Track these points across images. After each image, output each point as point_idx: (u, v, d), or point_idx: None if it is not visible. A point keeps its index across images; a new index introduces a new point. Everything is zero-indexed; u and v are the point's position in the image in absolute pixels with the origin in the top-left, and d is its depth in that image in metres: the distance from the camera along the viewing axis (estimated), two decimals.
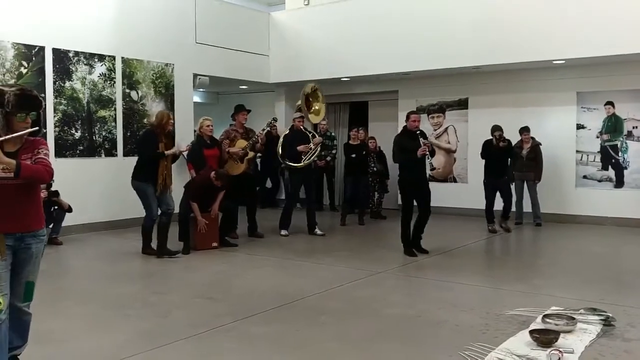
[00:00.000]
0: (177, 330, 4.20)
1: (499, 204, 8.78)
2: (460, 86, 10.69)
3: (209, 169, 7.33)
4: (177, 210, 7.21)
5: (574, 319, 4.16)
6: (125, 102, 9.14)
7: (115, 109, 9.01)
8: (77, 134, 8.56)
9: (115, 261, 6.75)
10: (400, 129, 7.84)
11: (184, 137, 9.25)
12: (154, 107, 9.39)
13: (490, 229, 8.74)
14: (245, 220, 8.34)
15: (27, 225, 3.16)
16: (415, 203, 7.02)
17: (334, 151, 10.55)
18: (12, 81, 7.54)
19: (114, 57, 8.97)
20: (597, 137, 9.61)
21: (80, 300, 5.08)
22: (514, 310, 4.55)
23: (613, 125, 9.48)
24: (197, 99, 11.88)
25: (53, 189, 7.49)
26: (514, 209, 9.20)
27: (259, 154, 9.24)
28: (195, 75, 10.23)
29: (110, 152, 8.95)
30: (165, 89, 9.73)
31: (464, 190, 10.60)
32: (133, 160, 7.27)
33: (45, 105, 7.91)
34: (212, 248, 7.26)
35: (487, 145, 8.69)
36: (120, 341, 3.98)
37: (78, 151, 8.57)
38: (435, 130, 11.00)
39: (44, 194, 7.08)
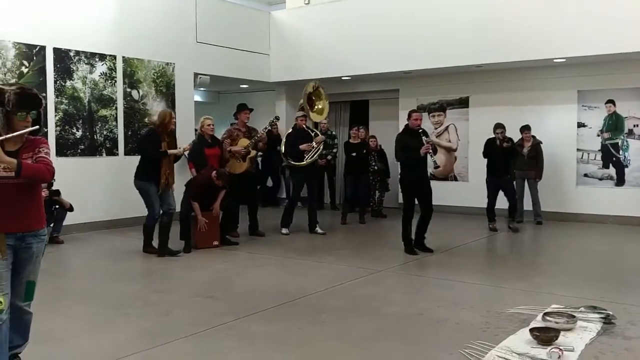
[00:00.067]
0: (178, 329, 4.20)
1: (500, 203, 8.78)
2: (461, 85, 10.69)
3: (210, 168, 7.34)
4: (178, 209, 7.22)
5: (574, 317, 4.16)
6: (126, 102, 9.15)
7: (116, 108, 9.02)
8: (78, 133, 8.57)
9: (116, 260, 6.76)
10: (401, 128, 7.84)
11: (183, 136, 9.25)
12: (155, 107, 9.40)
13: (490, 228, 8.74)
14: (246, 219, 8.35)
15: (28, 224, 3.16)
16: (416, 202, 7.03)
17: (334, 150, 10.55)
18: (13, 81, 7.55)
19: (114, 57, 8.98)
20: (598, 135, 9.60)
21: (81, 300, 5.09)
22: (514, 309, 4.55)
23: (614, 124, 9.47)
24: (197, 98, 11.88)
25: (54, 188, 7.50)
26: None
27: (260, 153, 9.24)
28: (196, 75, 10.24)
29: (112, 152, 8.96)
30: (166, 88, 9.74)
31: (465, 189, 10.60)
32: (134, 159, 7.28)
33: (45, 104, 7.97)
34: (213, 247, 7.27)
35: (489, 143, 8.68)
36: (120, 340, 3.99)
37: (79, 150, 8.58)
38: (435, 128, 10.99)
39: (45, 193, 7.09)
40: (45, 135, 7.76)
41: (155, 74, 9.57)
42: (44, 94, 7.92)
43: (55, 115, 8.26)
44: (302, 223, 8.64)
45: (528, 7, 8.89)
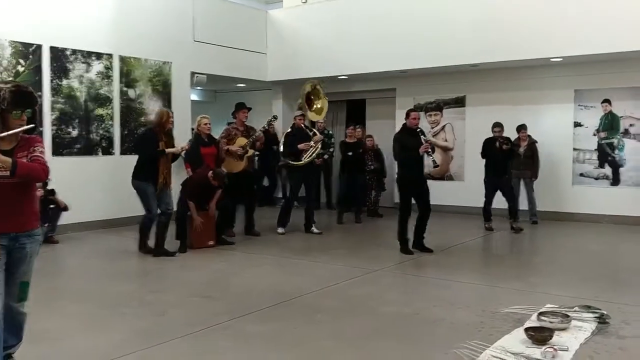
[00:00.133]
0: (174, 328, 4.20)
1: (496, 203, 8.80)
2: (458, 84, 10.70)
3: (206, 167, 7.33)
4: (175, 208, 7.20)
5: (568, 316, 4.17)
6: (122, 100, 9.13)
7: (112, 107, 9.00)
8: (75, 133, 8.55)
9: (112, 260, 6.75)
10: (397, 127, 7.84)
11: (180, 135, 9.24)
12: (152, 106, 9.39)
13: (486, 227, 8.75)
14: (243, 218, 8.34)
15: (21, 224, 3.15)
16: (413, 201, 7.03)
17: (331, 149, 10.55)
18: (9, 79, 7.52)
19: (111, 55, 8.96)
20: (594, 134, 9.63)
21: (76, 299, 5.08)
22: (509, 308, 4.56)
23: (610, 123, 9.50)
24: (194, 97, 11.88)
25: (49, 187, 7.48)
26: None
27: (256, 152, 9.25)
28: (192, 74, 10.23)
29: (108, 151, 8.95)
30: (163, 87, 9.73)
31: (461, 188, 10.61)
32: (130, 158, 7.27)
33: (41, 103, 7.96)
34: (208, 247, 7.26)
35: (487, 143, 8.68)
36: (116, 340, 3.98)
37: (75, 149, 8.56)
38: (432, 128, 11.00)
39: (40, 192, 7.08)
40: (41, 134, 7.75)
41: (152, 73, 9.56)
42: (39, 93, 7.91)
43: (52, 114, 8.24)
44: (298, 223, 8.64)
45: (525, 5, 8.90)
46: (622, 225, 9.03)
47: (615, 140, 9.48)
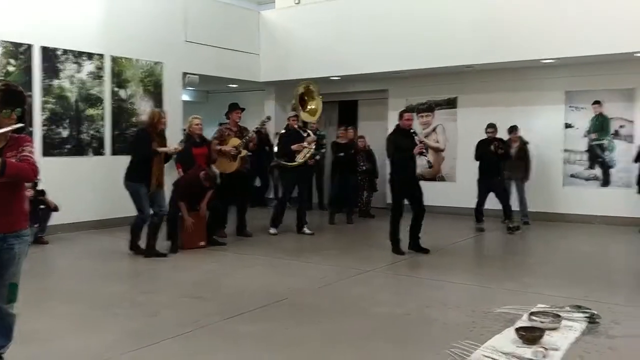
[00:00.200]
0: (165, 329, 4.18)
1: (488, 204, 8.83)
2: (450, 85, 10.73)
3: (198, 168, 7.31)
4: None
5: (559, 316, 4.19)
6: (114, 101, 9.09)
7: (103, 108, 8.96)
8: (65, 133, 8.50)
9: (103, 260, 6.71)
10: (390, 128, 7.85)
11: (172, 136, 9.21)
12: (143, 106, 9.36)
13: (478, 228, 8.78)
14: (235, 219, 8.32)
15: (10, 224, 3.12)
16: (406, 202, 7.03)
17: (323, 150, 10.55)
18: None
19: (102, 56, 8.92)
20: (585, 136, 9.68)
21: (66, 300, 5.04)
22: (500, 308, 4.57)
23: (600, 124, 9.56)
24: (186, 97, 11.84)
25: (40, 188, 7.43)
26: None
27: (249, 153, 9.23)
28: (184, 74, 10.20)
29: (98, 151, 8.90)
30: (154, 88, 9.69)
31: (452, 189, 10.64)
32: (121, 159, 7.23)
33: (31, 103, 7.91)
34: (199, 247, 7.23)
35: (481, 145, 8.70)
36: (107, 341, 3.96)
37: (66, 150, 8.51)
38: (424, 129, 11.03)
39: (30, 193, 7.03)
40: (31, 134, 7.70)
41: (144, 74, 9.52)
42: (29, 93, 7.87)
43: (42, 115, 8.19)
44: (289, 223, 8.64)
45: (518, 6, 8.94)
46: (613, 225, 9.09)
47: (605, 142, 9.54)
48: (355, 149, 9.99)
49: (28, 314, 4.18)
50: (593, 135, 9.62)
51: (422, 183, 7.27)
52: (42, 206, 7.54)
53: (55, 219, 7.78)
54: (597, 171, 9.60)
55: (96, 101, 8.87)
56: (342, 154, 9.70)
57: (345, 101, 12.30)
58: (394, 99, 11.28)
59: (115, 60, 9.08)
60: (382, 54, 10.07)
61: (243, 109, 8.36)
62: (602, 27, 8.28)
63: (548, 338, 3.82)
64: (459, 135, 10.67)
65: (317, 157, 10.32)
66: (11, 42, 7.83)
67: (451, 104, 10.87)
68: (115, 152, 9.00)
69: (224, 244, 7.54)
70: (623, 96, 9.34)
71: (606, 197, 9.47)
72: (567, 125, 9.81)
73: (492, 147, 8.53)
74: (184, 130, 8.71)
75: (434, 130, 11.04)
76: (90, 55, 8.76)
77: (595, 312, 4.32)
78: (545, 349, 3.59)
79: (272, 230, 8.36)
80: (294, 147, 8.26)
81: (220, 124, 9.20)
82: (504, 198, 8.73)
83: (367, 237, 8.56)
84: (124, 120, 9.23)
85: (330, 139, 11.37)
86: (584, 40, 8.45)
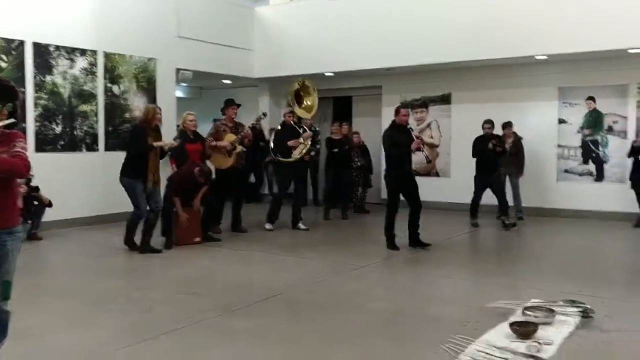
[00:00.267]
0: (160, 325, 4.17)
1: (483, 199, 8.85)
2: (444, 81, 10.74)
3: (192, 163, 7.29)
4: None
5: (553, 311, 4.21)
6: (107, 97, 9.05)
7: (96, 104, 8.92)
8: (58, 129, 8.46)
9: (97, 256, 6.69)
10: (384, 124, 7.86)
11: (166, 132, 9.18)
12: (136, 102, 9.32)
13: (472, 224, 8.80)
14: (230, 215, 8.31)
15: (2, 221, 3.08)
16: (402, 198, 7.02)
17: (317, 146, 10.54)
18: None
19: (95, 52, 8.87)
20: (578, 132, 9.72)
21: (60, 296, 5.03)
22: (494, 303, 4.58)
23: (593, 120, 9.59)
24: (180, 93, 11.80)
25: (33, 184, 7.40)
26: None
27: (244, 149, 9.21)
28: (178, 70, 10.16)
29: (92, 147, 8.87)
30: (148, 84, 9.65)
31: (447, 185, 10.66)
32: (115, 155, 7.22)
33: (24, 99, 7.86)
34: (194, 243, 7.22)
35: (478, 142, 8.69)
36: (101, 336, 3.95)
37: (59, 146, 8.47)
38: (418, 125, 11.03)
39: (24, 189, 7.00)
40: (24, 130, 7.67)
41: (137, 69, 9.48)
42: (22, 89, 7.82)
43: (35, 111, 8.15)
44: (284, 219, 8.63)
45: (516, 4, 8.92)
46: (606, 220, 9.12)
47: (599, 137, 9.58)
48: (350, 145, 9.99)
49: (22, 311, 4.15)
50: (586, 131, 9.66)
51: (416, 179, 7.28)
52: (35, 202, 7.51)
53: (48, 215, 7.76)
54: (591, 166, 9.64)
55: (89, 97, 8.83)
56: (336, 150, 9.69)
57: (340, 97, 12.29)
58: (388, 95, 11.28)
59: (108, 56, 9.04)
60: (377, 50, 10.06)
61: (239, 105, 8.35)
62: (595, 24, 8.30)
63: (542, 332, 3.83)
64: (453, 131, 10.68)
65: (313, 153, 10.34)
66: (3, 38, 7.78)
67: (445, 100, 10.89)
68: (108, 148, 8.98)
69: (218, 240, 7.53)
70: (616, 92, 9.37)
71: (600, 192, 9.51)
72: (561, 121, 9.84)
73: (491, 145, 8.52)
74: (178, 126, 8.69)
75: (428, 126, 11.05)
76: (83, 51, 8.71)
77: (589, 307, 4.34)
78: (539, 343, 3.60)
79: (268, 226, 8.36)
80: (290, 143, 8.26)
81: (215, 120, 9.17)
82: (500, 194, 8.75)
83: (362, 233, 8.57)
84: (117, 116, 9.20)
85: (324, 134, 11.38)
86: (577, 37, 8.46)
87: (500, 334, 3.88)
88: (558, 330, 3.95)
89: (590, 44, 8.40)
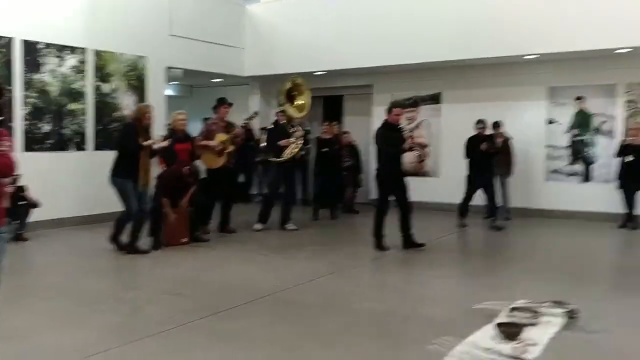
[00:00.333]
0: (145, 327, 4.16)
1: (473, 199, 8.87)
2: (434, 81, 10.76)
3: (181, 162, 7.26)
4: None
5: (538, 312, 4.23)
6: (96, 95, 8.99)
7: (86, 102, 8.87)
8: (47, 128, 8.40)
9: (84, 257, 6.65)
10: (374, 123, 7.85)
11: (155, 131, 9.14)
12: (126, 101, 9.27)
13: (460, 224, 8.81)
14: (218, 215, 8.28)
15: None
16: (393, 198, 7.01)
17: (308, 145, 10.53)
18: None
19: (85, 50, 8.81)
20: (567, 132, 9.76)
21: (45, 297, 5.00)
22: (481, 304, 4.60)
23: (582, 120, 9.64)
24: (170, 92, 11.75)
25: (20, 184, 7.33)
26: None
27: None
28: (168, 68, 10.12)
29: (81, 146, 8.81)
30: (138, 82, 9.60)
31: (435, 185, 10.67)
32: (104, 154, 7.17)
33: (12, 97, 7.80)
34: (182, 244, 7.18)
35: (470, 142, 8.69)
36: (86, 337, 3.93)
37: (47, 145, 8.41)
38: (408, 124, 11.03)
39: (10, 189, 6.93)
40: (10, 129, 7.60)
41: (127, 68, 9.43)
42: (9, 87, 7.76)
43: (23, 109, 8.09)
44: (273, 219, 8.61)
45: (505, 4, 8.96)
46: (594, 221, 9.17)
47: (587, 137, 9.63)
48: (340, 144, 9.98)
49: (7, 311, 4.15)
50: (575, 131, 9.71)
51: (405, 179, 7.28)
52: (22, 202, 7.43)
53: (35, 216, 7.67)
54: (579, 167, 9.70)
55: (78, 96, 8.77)
56: (326, 149, 9.68)
57: (330, 96, 12.28)
58: (379, 94, 11.28)
59: (97, 54, 8.99)
60: (367, 48, 10.07)
61: (231, 104, 8.30)
62: (583, 24, 8.36)
63: (527, 333, 3.85)
64: (443, 130, 10.70)
65: (304, 153, 10.33)
66: None
67: (435, 99, 10.90)
68: (97, 147, 8.92)
69: (207, 240, 7.50)
70: (604, 92, 9.43)
71: (587, 192, 9.56)
72: (550, 121, 9.88)
73: (485, 146, 8.53)
74: (168, 125, 8.65)
75: (418, 125, 11.06)
76: (72, 49, 8.65)
77: (575, 307, 4.36)
78: (525, 344, 3.62)
79: (257, 226, 8.34)
80: (281, 142, 8.24)
81: (205, 119, 9.14)
82: (491, 195, 8.75)
83: (351, 233, 8.58)
84: (107, 115, 9.14)
85: (315, 134, 11.37)
86: (566, 37, 8.52)
87: (486, 335, 3.89)
88: (543, 331, 3.97)
89: (579, 43, 8.47)
